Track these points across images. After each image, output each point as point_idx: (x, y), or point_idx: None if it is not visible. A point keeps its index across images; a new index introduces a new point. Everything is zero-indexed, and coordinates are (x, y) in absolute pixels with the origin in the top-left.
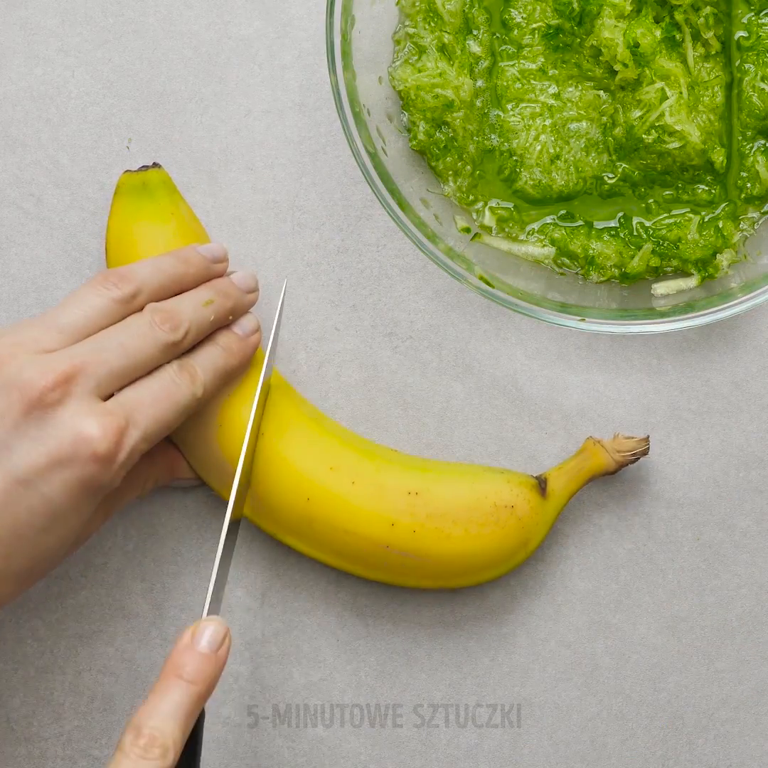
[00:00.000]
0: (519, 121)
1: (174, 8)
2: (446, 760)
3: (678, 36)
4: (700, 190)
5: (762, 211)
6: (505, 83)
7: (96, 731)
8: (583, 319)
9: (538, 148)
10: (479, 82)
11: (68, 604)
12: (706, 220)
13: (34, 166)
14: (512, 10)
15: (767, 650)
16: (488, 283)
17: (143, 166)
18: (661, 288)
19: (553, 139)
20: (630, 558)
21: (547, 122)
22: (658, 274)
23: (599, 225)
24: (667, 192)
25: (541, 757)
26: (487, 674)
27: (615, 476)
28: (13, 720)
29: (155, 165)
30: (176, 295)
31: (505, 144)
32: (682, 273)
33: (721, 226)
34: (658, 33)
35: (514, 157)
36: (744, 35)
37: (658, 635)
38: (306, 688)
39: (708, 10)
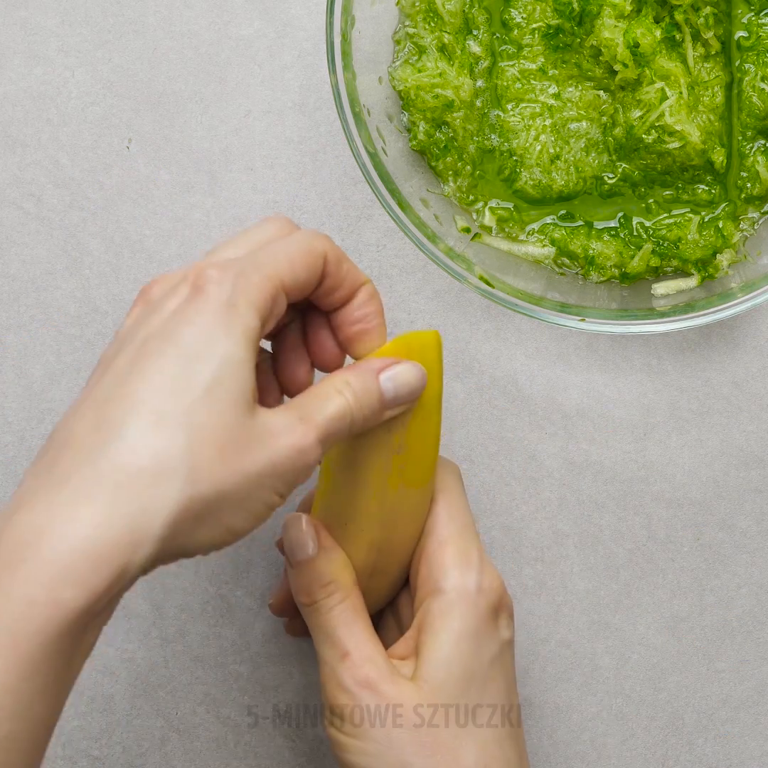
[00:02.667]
0: (519, 121)
1: (174, 8)
2: None
3: (678, 36)
4: (700, 190)
5: (762, 211)
6: (505, 83)
7: (96, 731)
8: (583, 319)
9: (538, 148)
10: (479, 82)
11: None
12: (706, 220)
13: (34, 166)
14: (512, 10)
15: (767, 650)
16: (488, 283)
17: None
18: (661, 288)
19: (553, 139)
20: (630, 558)
21: (547, 122)
22: (658, 274)
23: (599, 225)
24: (667, 192)
25: (541, 757)
26: None
27: (615, 475)
28: None
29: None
30: None
31: (505, 144)
32: (682, 273)
33: (721, 226)
34: (658, 33)
35: (514, 157)
36: (744, 35)
37: (658, 635)
38: (306, 688)
39: (708, 10)
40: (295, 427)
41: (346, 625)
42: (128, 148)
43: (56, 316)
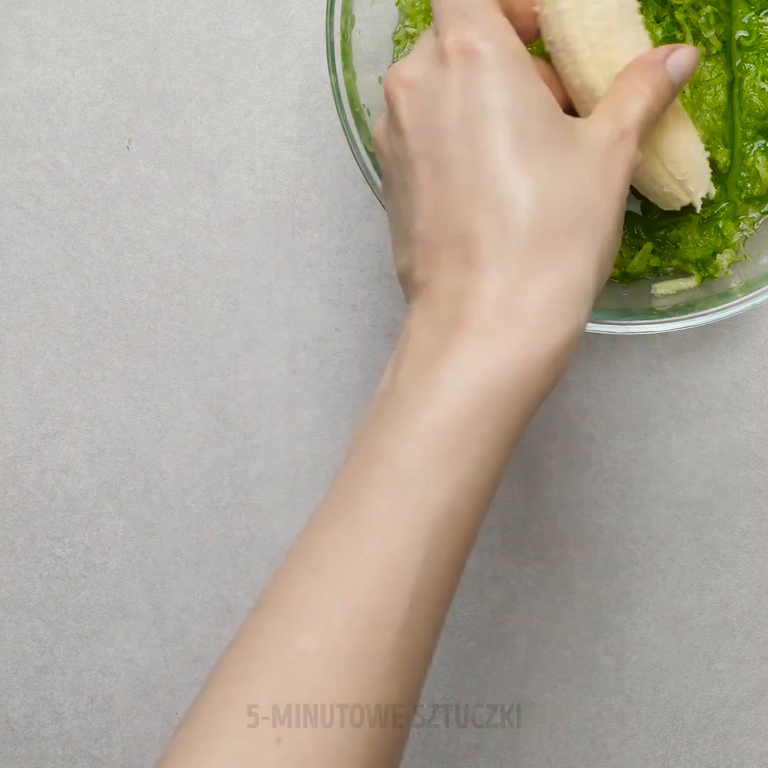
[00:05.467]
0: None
1: (174, 8)
2: (446, 760)
3: (679, 35)
4: None
5: (762, 211)
6: None
7: (96, 731)
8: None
9: None
10: None
11: (68, 604)
12: (706, 220)
13: (34, 166)
14: None
15: (767, 650)
16: None
17: None
18: (661, 288)
19: None
20: (630, 558)
21: None
22: (658, 274)
23: None
24: None
25: (541, 757)
26: (487, 674)
27: (615, 475)
28: (13, 720)
29: None
30: None
31: None
32: (682, 273)
33: (721, 226)
34: (658, 32)
35: None
36: (744, 35)
37: (658, 635)
38: None
39: (708, 9)
40: (619, 139)
41: None
42: (128, 148)
43: (56, 316)
